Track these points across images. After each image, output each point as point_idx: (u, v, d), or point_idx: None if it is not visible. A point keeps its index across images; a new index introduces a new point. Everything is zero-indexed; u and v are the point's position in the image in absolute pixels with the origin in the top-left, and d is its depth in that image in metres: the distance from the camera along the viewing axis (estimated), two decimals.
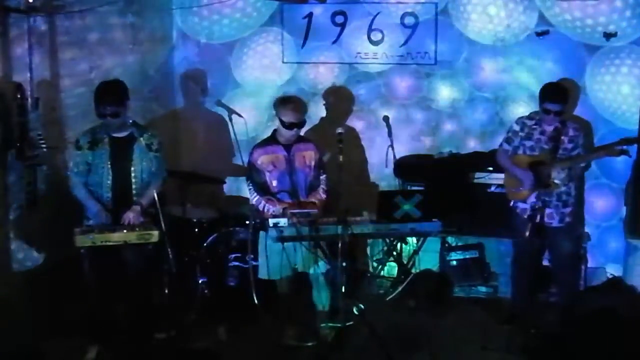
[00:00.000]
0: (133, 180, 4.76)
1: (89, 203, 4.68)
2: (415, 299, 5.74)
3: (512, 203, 5.35)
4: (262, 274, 5.02)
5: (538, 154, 5.20)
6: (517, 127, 5.30)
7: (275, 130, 5.13)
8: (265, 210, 4.96)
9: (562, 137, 5.13)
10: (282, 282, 5.01)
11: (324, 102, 6.53)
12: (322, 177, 5.16)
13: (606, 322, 4.47)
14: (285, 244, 4.70)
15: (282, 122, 5.02)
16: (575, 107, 5.90)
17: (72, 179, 4.73)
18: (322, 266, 4.94)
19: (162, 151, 4.88)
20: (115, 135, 4.72)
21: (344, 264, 4.64)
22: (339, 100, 6.58)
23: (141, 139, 4.76)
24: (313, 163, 5.12)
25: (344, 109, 6.57)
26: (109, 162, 4.69)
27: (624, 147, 5.04)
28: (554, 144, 5.14)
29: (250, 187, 5.10)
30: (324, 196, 5.11)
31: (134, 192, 4.76)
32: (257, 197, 5.01)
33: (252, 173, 5.10)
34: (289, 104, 5.05)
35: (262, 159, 5.04)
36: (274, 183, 5.04)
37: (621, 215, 5.96)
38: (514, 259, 5.47)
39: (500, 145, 5.42)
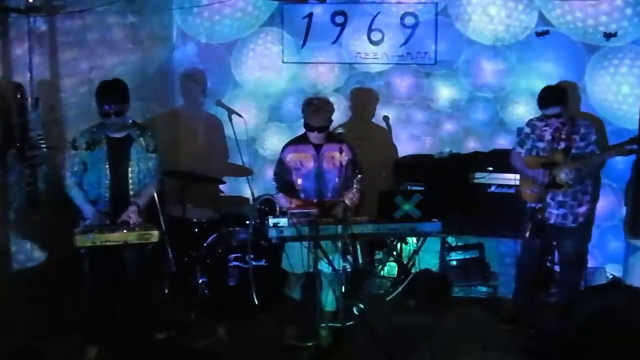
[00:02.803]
0: (130, 181, 4.74)
1: (83, 206, 4.66)
2: (415, 299, 5.74)
3: (528, 205, 5.32)
4: (285, 265, 5.07)
5: (551, 154, 5.19)
6: (528, 130, 5.30)
7: None
8: (285, 205, 5.02)
9: (574, 136, 5.12)
10: (296, 278, 5.02)
11: (350, 103, 6.53)
12: (358, 177, 5.14)
13: (606, 322, 4.46)
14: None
15: (305, 124, 5.03)
16: (577, 108, 5.90)
17: (68, 179, 4.70)
18: (336, 259, 4.91)
19: (158, 152, 4.87)
20: (112, 135, 4.71)
21: (344, 264, 4.65)
22: (364, 100, 6.57)
23: (141, 139, 4.75)
24: (343, 163, 5.10)
25: (367, 110, 6.57)
26: (107, 163, 4.68)
27: (632, 146, 5.03)
28: (566, 143, 5.13)
29: (275, 182, 5.16)
30: (357, 195, 5.10)
31: (131, 192, 4.74)
32: (279, 193, 5.07)
33: (280, 169, 5.14)
34: (311, 106, 5.03)
35: (291, 157, 5.08)
36: (299, 181, 5.06)
37: (621, 215, 5.95)
38: (521, 260, 5.45)
39: (513, 148, 5.42)
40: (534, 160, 5.25)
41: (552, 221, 5.19)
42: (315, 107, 5.02)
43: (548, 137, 5.20)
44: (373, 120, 6.61)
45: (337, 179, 5.09)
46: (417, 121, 6.62)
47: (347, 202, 4.99)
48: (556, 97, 5.09)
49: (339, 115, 6.42)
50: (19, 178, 4.94)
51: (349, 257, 4.82)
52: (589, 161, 5.12)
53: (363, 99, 6.57)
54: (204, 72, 6.76)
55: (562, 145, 5.13)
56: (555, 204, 5.18)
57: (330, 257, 4.78)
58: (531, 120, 5.36)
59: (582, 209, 5.22)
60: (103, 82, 4.74)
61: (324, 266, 4.85)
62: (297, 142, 5.17)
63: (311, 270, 4.85)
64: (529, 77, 6.21)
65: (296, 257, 4.85)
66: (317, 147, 5.08)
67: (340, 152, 5.06)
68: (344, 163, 5.10)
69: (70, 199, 4.70)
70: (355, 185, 5.14)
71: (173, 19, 6.74)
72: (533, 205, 5.16)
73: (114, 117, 4.58)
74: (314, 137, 5.05)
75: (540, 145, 5.25)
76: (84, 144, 4.67)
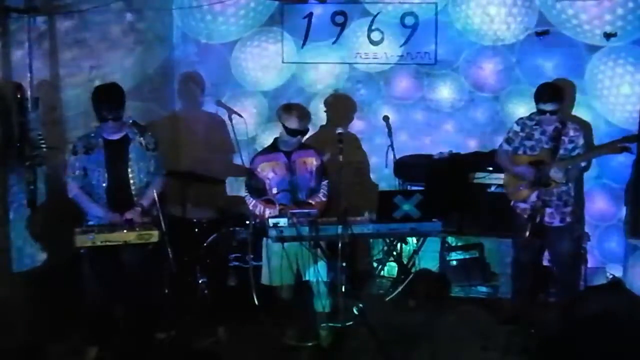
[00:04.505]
0: (131, 181, 4.74)
1: (90, 207, 4.67)
2: (415, 299, 5.74)
3: (512, 203, 5.35)
4: (264, 280, 5.02)
5: (538, 153, 5.20)
6: (517, 128, 5.31)
7: (276, 139, 5.14)
8: (261, 213, 4.97)
9: (563, 137, 5.15)
10: (285, 290, 5.00)
11: (325, 109, 6.52)
12: (324, 182, 5.16)
13: (606, 322, 4.47)
14: (287, 250, 4.69)
15: (285, 128, 5.03)
16: (572, 106, 5.91)
17: (69, 184, 4.71)
18: (322, 268, 4.91)
19: (158, 150, 4.87)
20: (109, 137, 4.71)
21: (343, 264, 4.65)
22: (340, 106, 6.56)
23: (140, 138, 4.75)
24: (314, 169, 5.12)
25: (345, 115, 6.56)
26: (105, 166, 4.68)
27: (626, 144, 5.04)
28: (554, 143, 5.15)
29: (247, 193, 5.12)
30: (324, 199, 5.11)
31: (133, 192, 4.75)
32: (254, 201, 5.03)
33: (250, 180, 5.11)
34: (293, 110, 5.05)
35: (262, 167, 5.05)
36: (274, 190, 5.04)
37: (621, 215, 5.96)
38: (514, 259, 5.48)
39: (500, 145, 5.43)
40: (522, 159, 5.26)
41: (538, 220, 5.19)
42: (298, 112, 5.03)
43: (537, 136, 5.22)
44: (366, 121, 6.62)
45: (309, 184, 5.10)
46: (417, 121, 6.62)
47: (313, 202, 5.00)
48: (554, 93, 5.11)
49: (341, 120, 6.44)
50: (19, 178, 4.94)
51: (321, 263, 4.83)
52: (580, 160, 5.14)
53: (338, 106, 6.56)
54: (204, 73, 6.76)
55: (550, 145, 5.15)
56: (541, 203, 5.17)
57: (316, 266, 4.79)
58: (521, 119, 5.37)
59: (568, 209, 5.24)
60: (100, 87, 4.74)
61: (321, 272, 4.85)
62: (267, 151, 5.16)
63: (297, 281, 4.87)
64: (529, 77, 6.21)
65: (277, 268, 4.81)
66: (288, 155, 5.09)
67: (311, 157, 5.11)
68: (314, 168, 5.12)
69: (74, 203, 4.70)
70: (322, 190, 5.14)
71: (173, 19, 6.73)
72: (520, 204, 5.18)
73: (111, 122, 4.60)
74: (294, 141, 5.04)
75: (528, 143, 5.26)
76: (83, 149, 4.68)
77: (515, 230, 5.32)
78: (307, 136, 5.23)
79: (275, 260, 4.78)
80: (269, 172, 5.03)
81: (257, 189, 5.06)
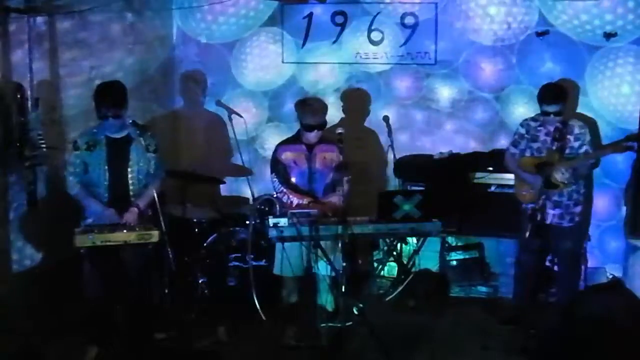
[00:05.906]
0: (130, 181, 4.72)
1: (89, 202, 4.65)
2: (415, 299, 5.73)
3: (523, 205, 5.32)
4: (276, 270, 5.05)
5: (545, 154, 5.19)
6: (522, 130, 5.30)
7: (300, 130, 5.16)
8: (289, 202, 5.01)
9: (568, 136, 5.13)
10: (291, 283, 5.01)
11: (342, 104, 6.53)
12: (345, 178, 5.09)
13: (606, 322, 4.46)
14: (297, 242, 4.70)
15: (301, 124, 5.05)
16: (576, 107, 5.91)
17: (69, 180, 4.69)
18: (323, 267, 4.92)
19: (159, 151, 4.86)
20: (112, 135, 4.70)
21: (344, 264, 4.65)
22: (358, 100, 6.57)
23: (141, 139, 4.74)
24: (334, 164, 5.13)
25: (361, 111, 6.57)
26: (106, 163, 4.67)
27: (630, 143, 5.03)
28: (560, 143, 5.13)
29: (275, 179, 5.16)
30: (341, 198, 5.09)
31: (131, 192, 4.72)
32: (282, 189, 5.06)
33: (277, 167, 5.17)
34: (308, 106, 5.08)
35: (285, 155, 5.11)
36: (293, 180, 5.09)
37: (621, 215, 5.95)
38: (519, 260, 5.46)
39: (507, 148, 5.42)
40: (529, 161, 5.25)
41: (548, 221, 5.19)
42: (312, 107, 5.07)
43: (542, 137, 5.21)
44: (366, 121, 6.60)
45: (327, 179, 5.12)
46: (417, 121, 6.62)
47: (335, 201, 4.99)
48: (557, 94, 5.10)
49: (339, 115, 6.46)
50: (19, 178, 4.94)
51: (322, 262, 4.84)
52: (585, 159, 5.13)
53: (356, 100, 6.56)
54: (204, 72, 6.76)
55: (556, 145, 5.14)
56: (551, 204, 5.17)
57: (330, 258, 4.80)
58: (525, 120, 5.36)
59: (578, 209, 5.23)
60: (101, 84, 4.73)
61: (321, 268, 4.85)
62: (290, 142, 5.21)
63: (306, 273, 4.88)
64: (529, 77, 6.21)
65: (292, 261, 4.83)
66: (310, 147, 5.10)
67: (332, 153, 5.11)
68: (334, 163, 5.12)
69: (74, 199, 4.70)
70: (343, 186, 5.13)
71: (173, 19, 6.74)
72: (529, 205, 5.17)
73: (112, 119, 4.59)
74: (312, 136, 5.07)
75: (534, 145, 5.25)
76: (85, 145, 4.66)
77: (523, 232, 5.29)
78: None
79: (288, 251, 4.79)
80: (290, 162, 5.06)
81: (284, 175, 5.09)
